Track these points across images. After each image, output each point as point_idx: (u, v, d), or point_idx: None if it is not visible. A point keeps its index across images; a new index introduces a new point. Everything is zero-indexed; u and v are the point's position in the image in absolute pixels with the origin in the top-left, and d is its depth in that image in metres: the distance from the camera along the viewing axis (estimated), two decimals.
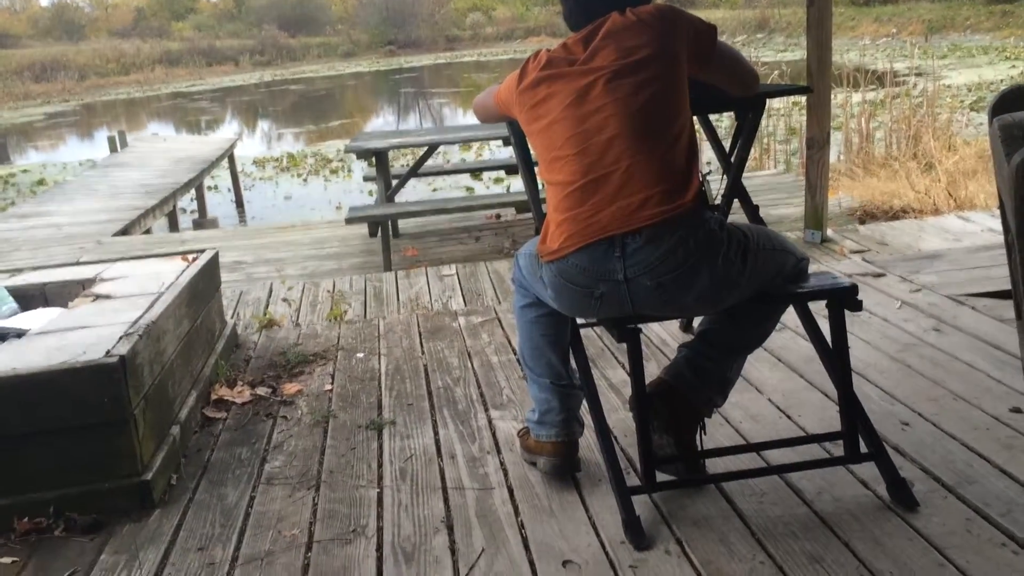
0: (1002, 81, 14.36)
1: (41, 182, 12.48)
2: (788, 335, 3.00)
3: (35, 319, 2.72)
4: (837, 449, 2.12)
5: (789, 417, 2.47)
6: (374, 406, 2.79)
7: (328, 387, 2.97)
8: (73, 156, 16.20)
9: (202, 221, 10.05)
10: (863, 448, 2.03)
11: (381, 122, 21.40)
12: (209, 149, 12.01)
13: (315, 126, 19.93)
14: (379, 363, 3.17)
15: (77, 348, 2.24)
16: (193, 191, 10.19)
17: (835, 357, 2.05)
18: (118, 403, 2.14)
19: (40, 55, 37.78)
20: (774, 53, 20.43)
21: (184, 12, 50.41)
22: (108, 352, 2.18)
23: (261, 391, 2.94)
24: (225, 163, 11.76)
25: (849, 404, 2.03)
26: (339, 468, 2.38)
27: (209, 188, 11.47)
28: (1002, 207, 2.98)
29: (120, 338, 2.29)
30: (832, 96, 4.73)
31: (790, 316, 2.24)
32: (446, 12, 48.09)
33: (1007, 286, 1.82)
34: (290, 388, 2.96)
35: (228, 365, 3.14)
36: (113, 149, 12.87)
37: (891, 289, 3.52)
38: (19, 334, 2.52)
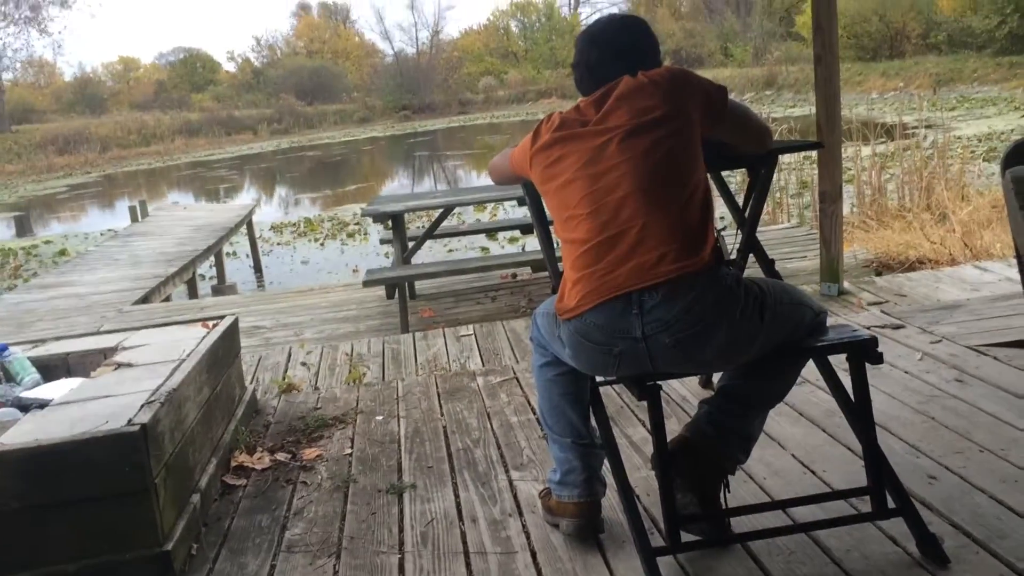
0: (1012, 131, 14.41)
1: (63, 252, 12.67)
2: (808, 388, 2.98)
3: (57, 389, 2.74)
4: (864, 505, 2.09)
5: (813, 472, 2.44)
6: (394, 469, 2.78)
7: (348, 451, 2.96)
8: (95, 226, 16.46)
9: (221, 287, 10.15)
10: (890, 503, 2.00)
11: (396, 185, 21.69)
12: (228, 216, 12.21)
13: (331, 191, 20.22)
14: (398, 426, 3.17)
15: (99, 417, 2.26)
16: (212, 258, 10.32)
17: (858, 411, 2.03)
18: (139, 472, 2.14)
19: (63, 128, 38.69)
20: (783, 109, 20.64)
21: (204, 84, 51.71)
22: (130, 421, 2.19)
23: (281, 456, 2.93)
24: (243, 229, 11.93)
25: (874, 459, 2.00)
26: (360, 534, 2.36)
27: (228, 254, 11.62)
28: (1019, 257, 2.98)
29: (141, 407, 2.30)
30: (842, 149, 4.77)
31: (810, 370, 2.22)
32: (459, 77, 49.13)
33: None
34: (310, 453, 2.95)
35: (248, 431, 3.14)
36: (134, 219, 13.09)
37: (911, 340, 3.50)
38: (41, 405, 2.54)
